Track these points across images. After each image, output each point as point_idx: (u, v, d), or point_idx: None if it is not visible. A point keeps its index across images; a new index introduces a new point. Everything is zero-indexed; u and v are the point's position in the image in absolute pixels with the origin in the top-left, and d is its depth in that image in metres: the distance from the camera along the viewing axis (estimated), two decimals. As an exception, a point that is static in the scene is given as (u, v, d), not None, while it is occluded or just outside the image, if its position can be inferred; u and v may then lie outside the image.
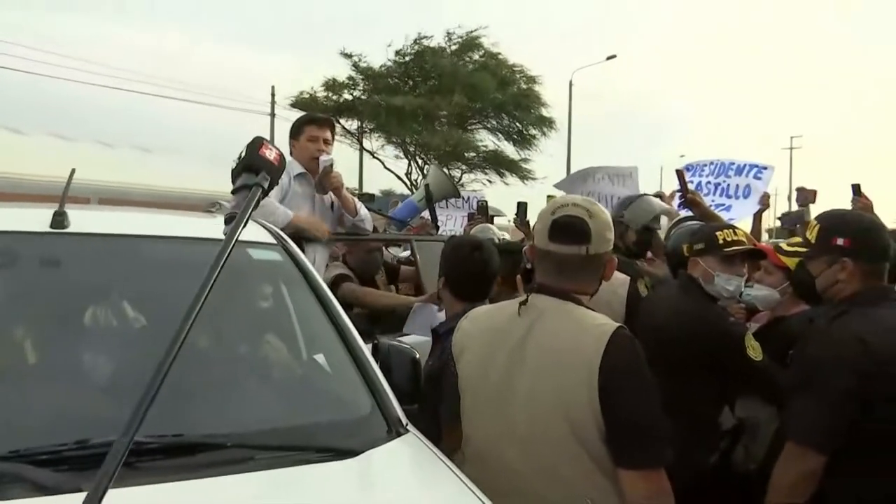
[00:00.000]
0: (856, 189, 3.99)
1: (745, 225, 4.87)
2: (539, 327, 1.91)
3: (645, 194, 4.37)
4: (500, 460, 1.92)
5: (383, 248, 5.20)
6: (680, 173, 4.25)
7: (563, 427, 1.81)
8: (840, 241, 2.25)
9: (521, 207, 7.64)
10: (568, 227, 1.91)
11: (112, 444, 1.11)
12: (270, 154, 1.35)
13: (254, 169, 1.32)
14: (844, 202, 4.06)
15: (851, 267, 2.23)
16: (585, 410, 1.78)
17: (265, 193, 1.32)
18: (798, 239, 2.92)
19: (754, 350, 2.63)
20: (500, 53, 28.52)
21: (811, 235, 2.36)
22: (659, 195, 4.50)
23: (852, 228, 2.29)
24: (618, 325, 1.85)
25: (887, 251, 2.29)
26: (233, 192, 1.32)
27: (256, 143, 1.36)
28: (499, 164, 29.62)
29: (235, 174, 1.33)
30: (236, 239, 1.20)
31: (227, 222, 1.26)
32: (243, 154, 1.33)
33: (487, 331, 2.04)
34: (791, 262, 2.85)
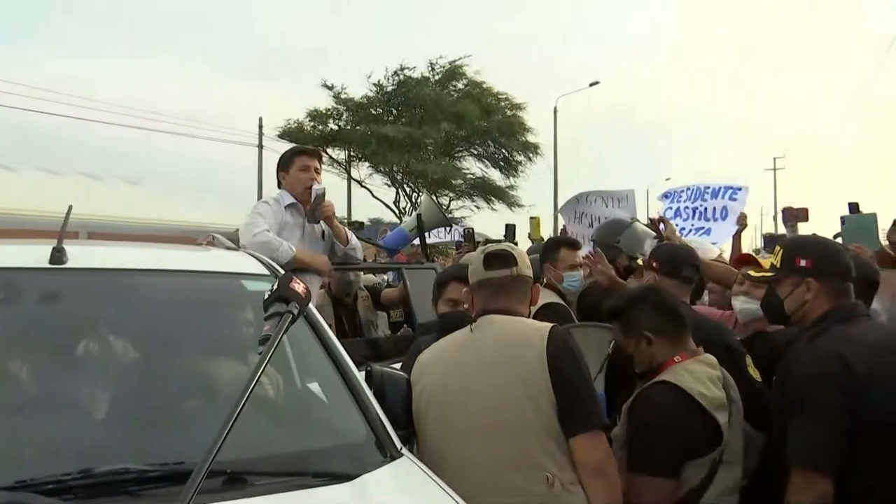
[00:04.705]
0: (853, 208, 3.98)
1: (727, 246, 4.98)
2: (491, 334, 2.26)
3: (636, 220, 4.47)
4: (461, 459, 2.11)
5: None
6: (661, 220, 4.37)
7: (526, 409, 2.11)
8: (803, 262, 2.33)
9: (510, 230, 7.74)
10: (498, 255, 2.37)
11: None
12: (299, 287, 1.57)
13: (284, 299, 1.54)
14: (835, 218, 4.08)
15: (816, 286, 2.29)
16: (542, 391, 2.11)
17: (295, 320, 1.53)
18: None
19: (754, 372, 2.70)
20: (483, 82, 28.88)
21: (776, 260, 2.44)
22: (662, 219, 4.59)
23: (813, 249, 2.38)
24: (553, 324, 2.26)
25: (849, 270, 2.35)
26: (265, 319, 1.53)
27: (287, 278, 1.59)
28: (486, 191, 29.83)
29: (268, 304, 1.55)
30: (269, 359, 1.42)
31: (261, 343, 1.47)
32: (275, 287, 1.56)
33: (444, 353, 2.36)
34: None
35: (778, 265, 2.41)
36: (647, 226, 4.55)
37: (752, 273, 2.75)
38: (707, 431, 2.32)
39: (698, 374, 2.40)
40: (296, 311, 1.52)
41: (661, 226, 4.35)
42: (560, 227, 5.23)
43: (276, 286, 1.56)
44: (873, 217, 3.79)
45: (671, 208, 5.33)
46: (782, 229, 6.03)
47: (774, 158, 48.40)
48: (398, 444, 1.92)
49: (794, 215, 5.06)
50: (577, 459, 2.09)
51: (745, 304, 3.08)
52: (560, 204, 5.86)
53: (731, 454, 2.37)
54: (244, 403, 1.31)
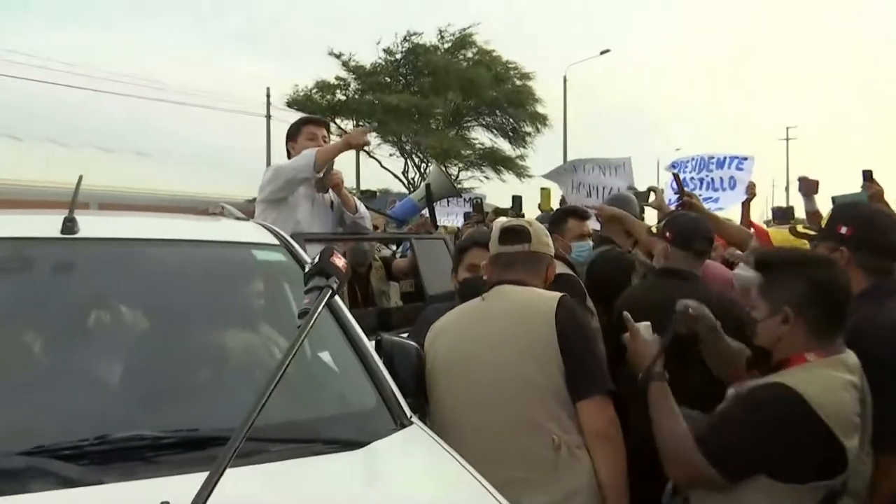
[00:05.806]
0: (867, 175, 3.88)
1: (735, 214, 4.97)
2: (501, 304, 2.30)
3: (631, 188, 4.47)
4: (471, 424, 2.17)
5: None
6: (676, 176, 4.33)
7: (535, 376, 2.15)
8: (843, 230, 2.21)
9: (516, 201, 7.72)
10: (513, 231, 2.42)
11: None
12: (339, 262, 1.54)
13: (325, 273, 1.51)
14: (847, 191, 4.05)
15: (848, 256, 2.16)
16: (551, 358, 2.16)
17: (334, 294, 1.50)
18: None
19: None
20: (493, 50, 28.62)
21: (824, 221, 2.39)
22: (652, 189, 4.58)
23: (857, 218, 2.25)
24: (562, 293, 2.29)
25: (892, 249, 2.19)
26: (305, 293, 1.49)
27: (328, 252, 1.55)
28: (495, 161, 29.73)
29: (308, 277, 1.52)
30: (308, 332, 1.38)
31: (300, 317, 1.43)
32: (316, 260, 1.53)
33: (456, 321, 2.40)
34: (783, 238, 2.93)
35: (823, 226, 2.35)
36: (643, 193, 4.58)
37: (797, 228, 2.73)
38: (826, 458, 1.82)
39: (832, 383, 1.86)
40: (335, 286, 1.50)
41: (651, 195, 4.35)
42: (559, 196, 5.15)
43: (316, 259, 1.54)
44: (863, 196, 3.76)
45: None
46: (794, 201, 5.98)
47: (787, 128, 47.98)
48: (408, 412, 1.94)
49: (808, 186, 5.02)
50: (583, 424, 2.14)
51: (744, 272, 3.10)
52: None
53: (857, 482, 1.91)
54: (283, 373, 1.29)
